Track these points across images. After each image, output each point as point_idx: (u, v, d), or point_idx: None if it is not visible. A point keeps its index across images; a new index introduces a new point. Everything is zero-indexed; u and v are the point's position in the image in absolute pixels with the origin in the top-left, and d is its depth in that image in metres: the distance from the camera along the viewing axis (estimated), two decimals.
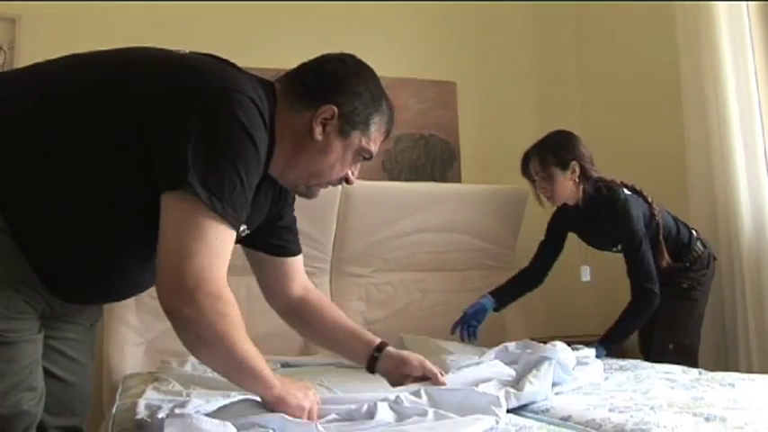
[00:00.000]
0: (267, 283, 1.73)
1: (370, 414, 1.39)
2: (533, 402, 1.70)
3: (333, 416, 1.41)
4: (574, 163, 2.66)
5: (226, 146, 1.23)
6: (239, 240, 1.48)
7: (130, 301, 2.86)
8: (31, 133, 1.27)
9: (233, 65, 1.39)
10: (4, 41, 3.23)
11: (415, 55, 3.95)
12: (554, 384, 1.80)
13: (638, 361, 2.35)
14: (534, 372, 1.78)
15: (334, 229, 3.26)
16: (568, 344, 2.05)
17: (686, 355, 2.59)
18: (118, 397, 2.22)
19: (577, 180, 2.67)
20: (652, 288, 2.54)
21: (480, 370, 1.83)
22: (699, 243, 2.77)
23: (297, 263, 1.73)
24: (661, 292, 2.66)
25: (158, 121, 1.24)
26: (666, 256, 2.61)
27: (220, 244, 1.21)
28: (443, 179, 3.85)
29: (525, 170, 2.76)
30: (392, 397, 1.47)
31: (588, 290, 3.29)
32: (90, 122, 1.27)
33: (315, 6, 3.68)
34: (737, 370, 2.61)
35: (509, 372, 1.82)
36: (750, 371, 2.65)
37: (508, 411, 1.58)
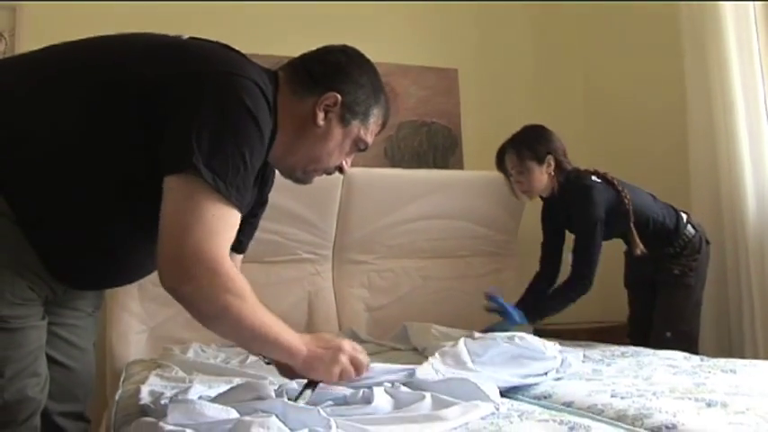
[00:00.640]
0: None
1: (367, 400, 1.39)
2: (531, 386, 1.72)
3: (328, 402, 1.41)
4: (549, 156, 2.68)
5: (231, 128, 1.23)
6: None
7: (133, 288, 2.87)
8: (30, 117, 1.28)
9: (236, 51, 1.39)
10: (5, 29, 3.22)
11: (417, 42, 3.94)
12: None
13: (641, 348, 2.35)
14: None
15: (336, 217, 3.26)
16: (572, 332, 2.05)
17: (686, 342, 2.58)
18: (121, 384, 2.23)
19: (552, 173, 2.69)
20: (589, 276, 2.55)
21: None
22: (689, 227, 2.74)
23: (239, 260, 1.72)
24: (654, 280, 2.68)
25: (162, 105, 1.24)
26: (640, 244, 2.60)
27: (221, 223, 1.21)
28: (445, 166, 3.85)
29: (500, 165, 2.77)
30: (389, 384, 1.48)
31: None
32: (91, 105, 1.27)
33: None
34: (743, 357, 2.61)
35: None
36: (756, 357, 2.65)
37: (507, 396, 1.58)
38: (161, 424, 1.23)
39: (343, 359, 1.39)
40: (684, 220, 2.76)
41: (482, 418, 1.37)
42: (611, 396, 1.54)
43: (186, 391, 1.64)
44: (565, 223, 2.81)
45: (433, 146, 3.88)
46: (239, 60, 1.34)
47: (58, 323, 1.47)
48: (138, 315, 2.89)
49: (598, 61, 4.14)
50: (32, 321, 1.31)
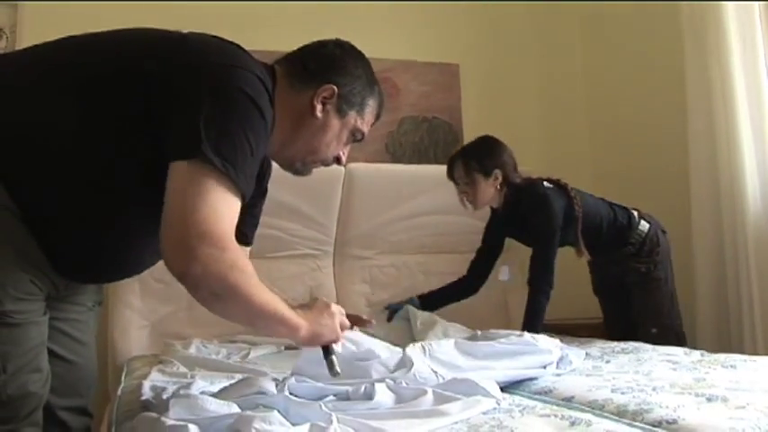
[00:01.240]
0: None
1: (368, 395, 1.40)
2: (532, 381, 1.73)
3: (330, 397, 1.42)
4: (497, 171, 2.68)
5: (236, 116, 1.25)
6: None
7: (135, 284, 2.88)
8: (31, 112, 1.28)
9: (236, 45, 1.40)
10: (6, 25, 3.22)
11: (418, 37, 3.94)
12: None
13: (641, 343, 2.35)
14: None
15: (338, 212, 3.27)
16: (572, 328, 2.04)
17: (672, 334, 2.61)
18: (123, 379, 2.24)
19: (499, 187, 2.70)
20: (551, 284, 2.54)
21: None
22: (642, 222, 2.75)
23: (246, 253, 1.70)
24: (623, 283, 2.72)
25: (164, 98, 1.25)
26: (584, 250, 2.61)
27: (226, 205, 1.21)
28: (446, 161, 3.83)
29: (450, 174, 2.79)
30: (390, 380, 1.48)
31: (588, 274, 3.30)
32: (92, 99, 1.28)
33: None
34: (742, 353, 2.61)
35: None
36: (755, 353, 2.65)
37: (508, 392, 1.59)
38: (163, 419, 1.24)
39: (335, 310, 1.45)
40: (636, 216, 2.77)
41: (483, 413, 1.38)
42: (612, 391, 1.55)
43: (188, 386, 1.64)
44: (516, 233, 2.83)
45: (435, 141, 3.88)
46: (239, 53, 1.36)
47: (59, 318, 1.47)
48: (139, 311, 2.90)
49: (599, 57, 4.14)
50: (34, 317, 1.31)
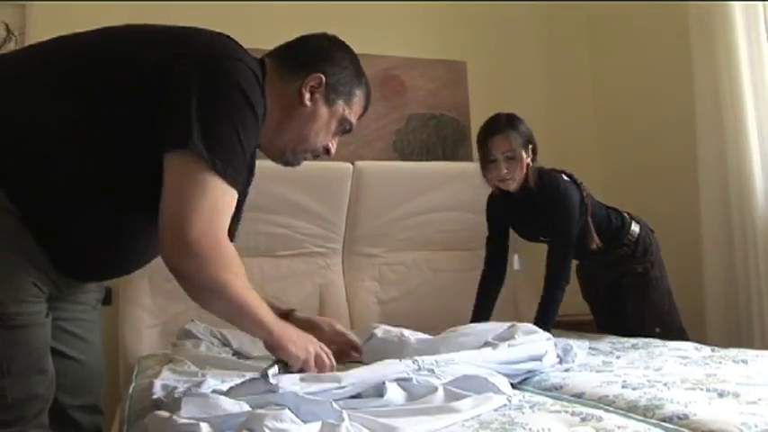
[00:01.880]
0: None
1: (379, 393, 1.40)
2: (542, 378, 1.73)
3: (344, 390, 1.42)
4: (531, 146, 2.54)
5: (227, 110, 1.28)
6: None
7: (145, 283, 2.89)
8: (31, 109, 1.29)
9: (232, 39, 1.43)
10: (15, 27, 3.24)
11: (425, 35, 3.94)
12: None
13: (651, 339, 2.35)
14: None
15: (347, 210, 3.27)
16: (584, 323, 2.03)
17: (675, 332, 2.59)
18: (134, 378, 2.25)
19: (530, 164, 2.54)
20: (566, 278, 2.49)
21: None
22: (633, 224, 2.71)
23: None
24: (618, 285, 2.68)
25: (160, 87, 1.28)
26: (596, 238, 2.54)
27: (220, 201, 1.27)
28: (454, 158, 3.84)
29: (485, 146, 2.53)
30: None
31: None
32: (92, 93, 1.30)
33: None
34: (752, 347, 2.61)
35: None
36: (765, 348, 2.64)
37: (518, 388, 1.59)
38: (174, 417, 1.24)
39: (311, 349, 1.46)
40: (627, 217, 2.73)
41: (494, 410, 1.38)
42: (623, 387, 1.55)
43: (199, 384, 1.64)
44: (522, 221, 2.71)
45: (442, 138, 3.88)
46: (234, 46, 1.40)
47: (63, 318, 1.48)
48: (149, 310, 2.91)
49: (607, 53, 4.12)
50: (37, 318, 1.30)
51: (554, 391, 1.63)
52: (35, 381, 1.30)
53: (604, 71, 4.14)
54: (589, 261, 2.78)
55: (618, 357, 2.04)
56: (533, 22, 4.19)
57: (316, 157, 1.61)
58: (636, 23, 3.83)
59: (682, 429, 1.23)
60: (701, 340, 2.45)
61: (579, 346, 2.01)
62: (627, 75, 3.92)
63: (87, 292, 1.58)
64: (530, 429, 1.24)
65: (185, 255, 1.23)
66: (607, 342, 2.35)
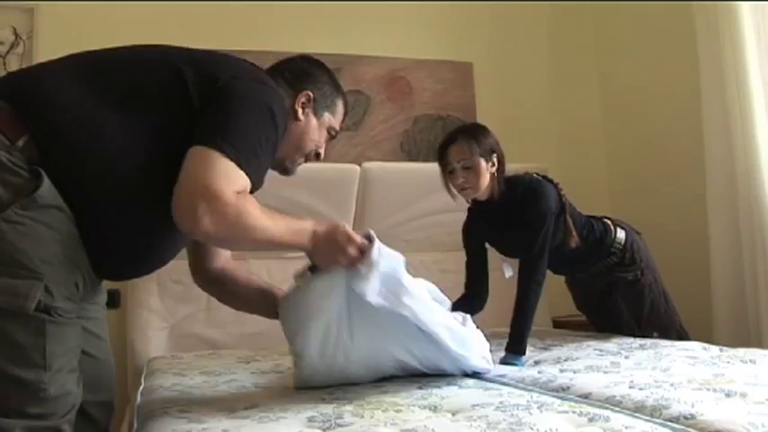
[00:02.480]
0: (197, 258, 1.88)
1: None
2: (548, 379, 1.73)
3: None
4: (494, 155, 2.46)
5: (257, 127, 1.44)
6: None
7: (153, 285, 2.90)
8: (87, 111, 1.37)
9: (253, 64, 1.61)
10: (23, 31, 3.25)
11: (432, 36, 3.95)
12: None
13: (658, 339, 2.35)
14: None
15: (354, 211, 3.28)
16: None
17: (674, 333, 2.57)
18: (142, 380, 2.26)
19: (495, 174, 2.46)
20: (542, 273, 2.39)
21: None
22: (618, 230, 2.63)
23: (227, 256, 1.93)
24: (611, 293, 2.62)
25: (203, 104, 1.42)
26: (575, 235, 2.46)
27: (235, 172, 1.35)
28: None
29: (444, 156, 2.48)
30: None
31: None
32: (137, 100, 1.41)
33: None
34: (760, 347, 2.60)
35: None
36: None
37: (525, 389, 1.59)
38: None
39: (341, 260, 1.75)
40: (611, 225, 2.65)
41: (502, 410, 1.39)
42: (630, 387, 1.55)
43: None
44: (499, 234, 2.64)
45: None
46: (266, 75, 1.60)
47: (84, 317, 1.51)
48: (158, 312, 2.92)
49: (613, 54, 4.12)
50: (73, 317, 1.36)
51: (561, 391, 1.63)
52: (69, 378, 1.36)
53: (611, 71, 4.14)
54: (579, 274, 2.72)
55: (626, 357, 2.04)
56: (540, 23, 4.19)
57: (308, 160, 1.80)
58: (642, 23, 3.83)
59: (689, 429, 1.22)
60: (709, 340, 2.43)
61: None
62: (633, 74, 3.92)
63: (101, 293, 1.67)
64: (537, 430, 1.24)
65: (195, 217, 1.30)
66: (614, 342, 2.34)
